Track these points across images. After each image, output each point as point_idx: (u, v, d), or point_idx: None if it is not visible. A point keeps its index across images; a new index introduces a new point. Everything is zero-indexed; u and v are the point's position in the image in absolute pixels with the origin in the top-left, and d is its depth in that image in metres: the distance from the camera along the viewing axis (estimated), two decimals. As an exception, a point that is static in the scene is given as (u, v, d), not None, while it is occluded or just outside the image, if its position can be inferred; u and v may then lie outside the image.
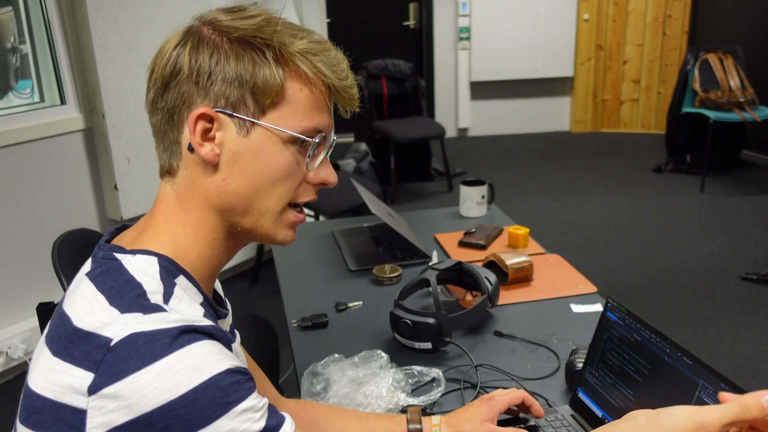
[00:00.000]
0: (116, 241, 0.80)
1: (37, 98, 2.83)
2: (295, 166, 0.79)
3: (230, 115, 0.75)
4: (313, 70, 0.77)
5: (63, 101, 2.83)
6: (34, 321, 2.54)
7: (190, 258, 0.78)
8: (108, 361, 0.64)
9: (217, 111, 0.75)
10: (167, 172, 0.79)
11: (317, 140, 0.80)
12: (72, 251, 1.70)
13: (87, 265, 0.78)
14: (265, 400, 0.71)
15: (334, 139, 0.83)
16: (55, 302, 1.57)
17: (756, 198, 4.60)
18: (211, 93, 0.74)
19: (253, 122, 0.76)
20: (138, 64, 2.84)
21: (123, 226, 0.85)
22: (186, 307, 0.72)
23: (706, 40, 5.95)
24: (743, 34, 5.51)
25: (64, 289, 1.46)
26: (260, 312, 3.09)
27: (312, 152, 0.80)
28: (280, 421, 0.71)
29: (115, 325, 0.66)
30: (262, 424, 0.68)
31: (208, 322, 0.70)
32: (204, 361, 0.65)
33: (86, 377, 0.64)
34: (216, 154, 0.75)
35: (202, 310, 0.75)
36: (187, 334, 0.66)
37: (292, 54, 0.76)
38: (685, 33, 6.20)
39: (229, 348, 0.71)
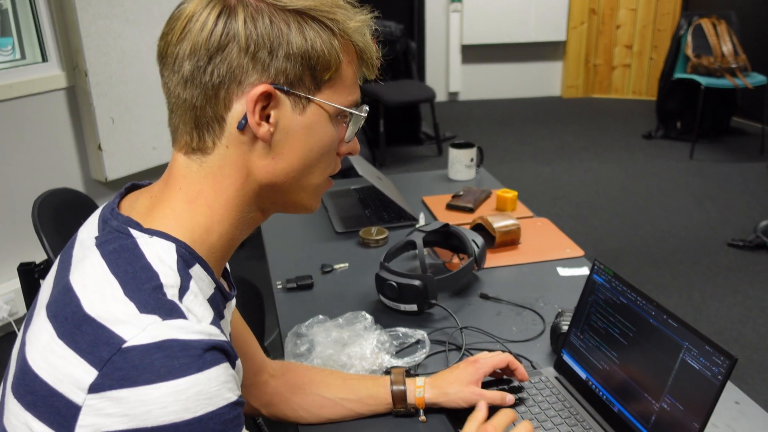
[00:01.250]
0: (128, 209, 0.75)
1: (18, 55, 2.77)
2: (336, 140, 0.77)
3: (287, 93, 0.71)
4: (365, 46, 0.75)
5: (44, 59, 2.77)
6: (17, 282, 2.52)
7: (210, 241, 0.74)
8: (116, 363, 0.60)
9: (275, 88, 0.70)
10: (197, 149, 0.72)
11: (364, 114, 0.78)
12: (53, 211, 1.67)
13: (93, 228, 0.74)
14: None
15: (367, 109, 0.80)
16: (37, 262, 1.55)
17: (744, 165, 4.60)
18: (270, 69, 0.69)
19: (309, 99, 0.72)
20: (121, 21, 2.77)
21: (133, 185, 0.80)
22: (199, 306, 0.69)
23: (700, 5, 5.88)
24: (737, -1, 5.45)
25: (46, 250, 1.43)
26: (247, 275, 3.08)
27: (354, 125, 0.78)
28: None
29: (130, 326, 0.62)
30: None
31: (222, 337, 0.67)
32: (217, 390, 0.63)
33: (90, 373, 0.61)
34: (271, 132, 0.71)
35: (210, 312, 0.71)
36: (208, 354, 0.63)
37: (353, 30, 0.73)
38: (679, -3, 6.13)
39: (235, 365, 0.69)
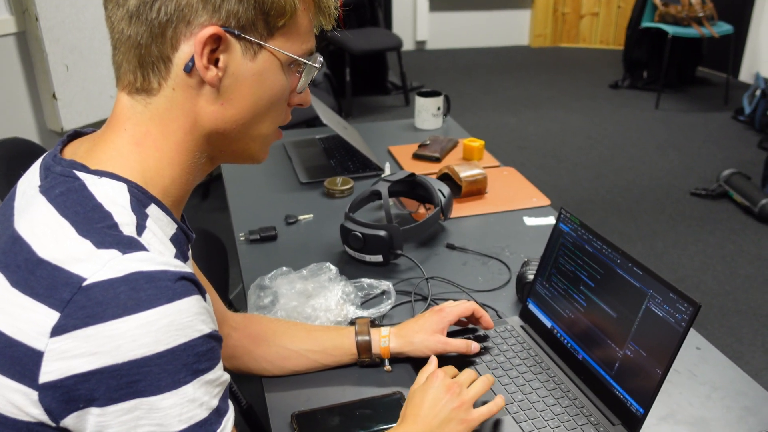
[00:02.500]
0: (70, 154, 0.71)
1: (-38, -2, 2.62)
2: (287, 90, 0.74)
3: (238, 37, 0.67)
4: None
5: (-9, 2, 2.63)
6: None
7: (162, 183, 0.71)
8: (78, 302, 0.57)
9: (226, 31, 0.66)
10: (142, 89, 0.69)
11: (318, 65, 0.75)
12: (4, 162, 1.60)
13: (34, 177, 0.70)
14: (226, 376, 0.67)
15: (321, 60, 0.77)
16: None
17: (708, 115, 4.64)
18: (221, 10, 0.66)
19: (260, 45, 0.69)
20: (72, -38, 2.63)
21: (76, 132, 0.76)
22: (159, 243, 0.66)
23: (669, -48, 5.83)
24: (706, -54, 5.41)
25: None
26: (211, 227, 3.04)
27: (305, 75, 0.76)
28: (227, 408, 0.67)
29: (89, 262, 0.59)
30: (215, 402, 0.64)
31: (188, 269, 0.64)
32: (189, 321, 0.60)
33: (50, 316, 0.58)
34: (219, 77, 0.68)
35: (173, 249, 0.69)
36: (177, 284, 0.61)
37: None
38: (648, -55, 6.06)
39: (205, 296, 0.66)
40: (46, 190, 0.66)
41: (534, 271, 1.19)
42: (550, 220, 1.55)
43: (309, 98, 0.80)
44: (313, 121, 3.13)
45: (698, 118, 4.58)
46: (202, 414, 0.62)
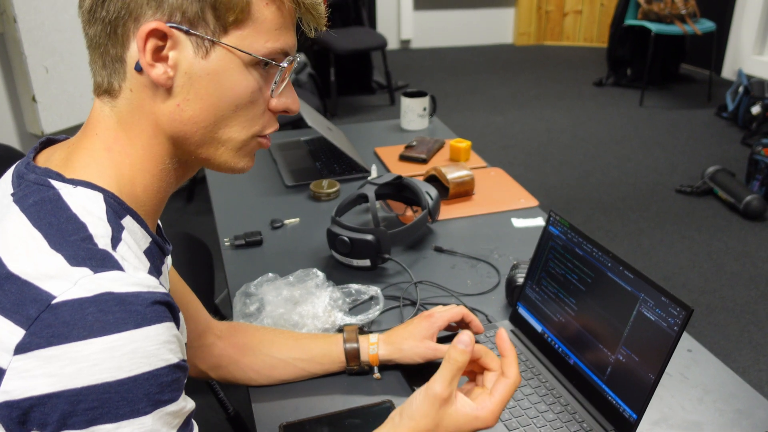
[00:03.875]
0: (44, 161, 0.69)
1: (-62, 0, 2.57)
2: (258, 93, 0.70)
3: (187, 33, 0.64)
4: None
5: (-32, 4, 2.58)
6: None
7: (135, 193, 0.69)
8: (45, 320, 0.55)
9: (171, 27, 0.64)
10: (106, 91, 0.68)
11: (285, 64, 0.70)
12: (-18, 168, 1.57)
13: (6, 186, 0.68)
14: (189, 406, 0.64)
15: (299, 61, 0.73)
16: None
17: (692, 112, 4.67)
18: (165, 5, 0.63)
19: (213, 42, 0.65)
20: (51, -38, 2.59)
21: (49, 140, 0.74)
22: (134, 257, 0.64)
23: (651, -50, 5.85)
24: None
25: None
26: (196, 230, 3.01)
27: (278, 77, 0.71)
28: None
29: (60, 279, 0.57)
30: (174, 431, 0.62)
31: (162, 289, 0.61)
32: (156, 350, 0.58)
33: (15, 333, 0.55)
34: (169, 76, 0.65)
35: (147, 263, 0.66)
36: (148, 310, 0.58)
37: None
38: (630, -58, 6.09)
39: (178, 318, 0.64)
40: (19, 199, 0.64)
41: (523, 275, 1.17)
42: (539, 222, 1.53)
43: (295, 105, 0.75)
44: (299, 123, 3.11)
45: (682, 115, 4.60)
46: None
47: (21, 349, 0.55)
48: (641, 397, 0.88)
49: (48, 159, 0.70)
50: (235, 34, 0.66)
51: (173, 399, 0.60)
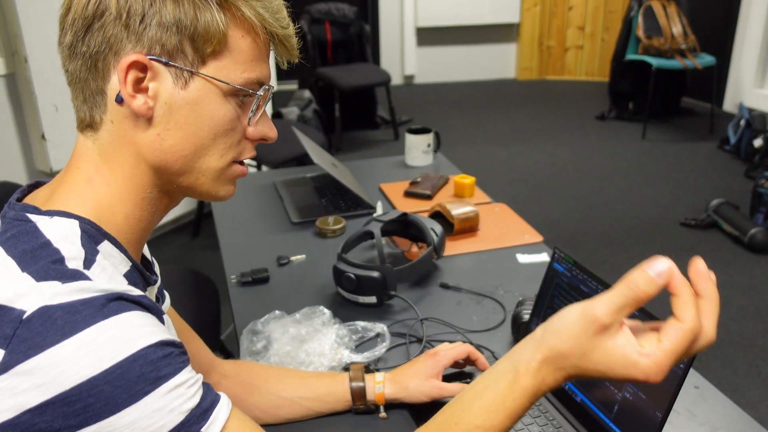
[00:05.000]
0: (29, 200, 0.71)
1: (-49, 41, 2.62)
2: (236, 121, 0.72)
3: (166, 64, 0.67)
4: (258, 16, 0.70)
5: (-19, 44, 2.63)
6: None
7: (115, 221, 0.71)
8: (20, 336, 0.57)
9: (151, 59, 0.66)
10: (88, 125, 0.70)
11: (261, 93, 0.73)
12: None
13: None
14: (199, 376, 0.65)
15: (273, 90, 0.76)
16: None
17: (695, 145, 4.69)
18: (144, 38, 0.66)
19: (191, 72, 0.68)
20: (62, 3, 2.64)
21: (37, 183, 0.76)
22: (108, 277, 0.65)
23: (650, -14, 5.94)
24: (686, -20, 5.53)
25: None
26: (202, 265, 3.02)
27: (255, 106, 0.74)
28: (216, 399, 0.66)
29: (29, 295, 0.59)
30: (195, 400, 0.63)
31: (137, 292, 0.63)
32: (133, 333, 0.59)
33: None
34: (150, 107, 0.67)
35: (125, 281, 0.68)
36: (113, 303, 0.60)
37: (241, 1, 0.69)
38: (629, -21, 6.19)
39: (161, 320, 0.65)
40: None
41: (529, 311, 1.18)
42: (544, 257, 1.54)
43: (272, 133, 0.77)
44: (304, 159, 3.13)
45: (685, 148, 4.62)
46: (175, 419, 0.61)
47: (3, 368, 0.57)
48: (649, 436, 0.88)
49: (33, 198, 0.72)
50: (213, 64, 0.69)
51: (174, 372, 0.61)
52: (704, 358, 2.44)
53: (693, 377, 1.13)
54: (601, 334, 0.60)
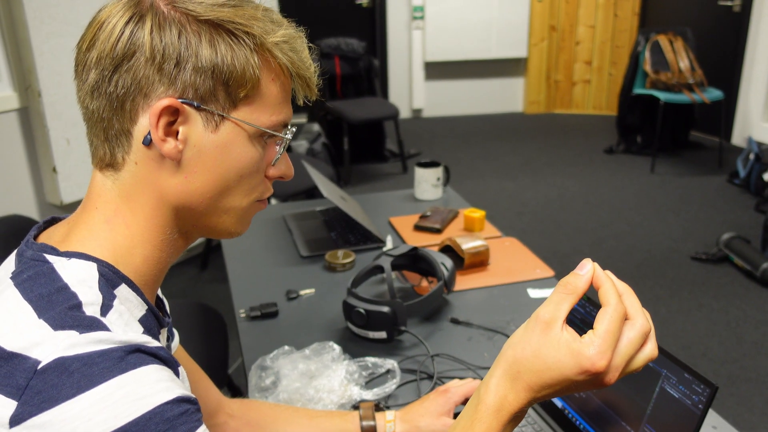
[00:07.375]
0: (45, 238, 0.70)
1: (-34, 76, 2.66)
2: (261, 162, 0.72)
3: (198, 108, 0.66)
4: (290, 60, 0.70)
5: (-5, 79, 2.67)
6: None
7: (134, 263, 0.69)
8: (34, 387, 0.55)
9: (183, 102, 0.65)
10: (108, 164, 0.68)
11: (289, 136, 0.73)
12: (2, 240, 1.59)
13: (11, 264, 0.68)
14: None
15: (293, 130, 0.76)
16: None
17: (704, 178, 4.68)
18: (177, 82, 0.65)
19: (222, 116, 0.67)
20: (76, 39, 2.65)
21: (53, 218, 0.75)
22: (125, 323, 0.64)
23: (657, 21, 6.00)
24: (693, 16, 5.58)
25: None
26: (210, 299, 3.01)
27: (280, 148, 0.74)
28: None
29: (45, 345, 0.57)
30: None
31: (155, 343, 0.62)
32: (150, 389, 0.57)
33: (8, 405, 0.55)
34: (179, 150, 0.66)
35: (141, 329, 0.66)
36: (131, 356, 0.58)
37: (273, 44, 0.68)
38: (635, 14, 6.25)
39: (176, 372, 0.64)
40: (15, 275, 0.64)
41: (542, 348, 1.16)
42: (555, 292, 1.52)
43: (290, 171, 0.77)
44: (313, 192, 3.14)
45: (694, 182, 4.61)
46: None
47: (15, 420, 0.55)
48: (667, 479, 0.86)
49: (49, 237, 0.70)
50: (243, 108, 0.68)
51: (190, 430, 0.59)
52: (719, 396, 2.40)
53: (711, 417, 1.11)
54: (546, 331, 0.66)
